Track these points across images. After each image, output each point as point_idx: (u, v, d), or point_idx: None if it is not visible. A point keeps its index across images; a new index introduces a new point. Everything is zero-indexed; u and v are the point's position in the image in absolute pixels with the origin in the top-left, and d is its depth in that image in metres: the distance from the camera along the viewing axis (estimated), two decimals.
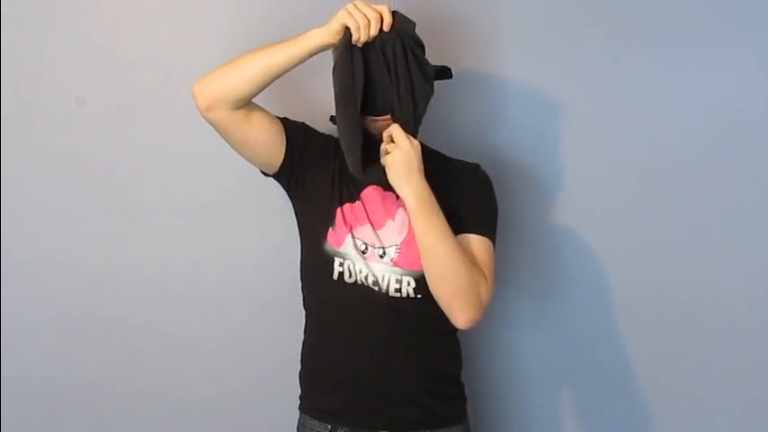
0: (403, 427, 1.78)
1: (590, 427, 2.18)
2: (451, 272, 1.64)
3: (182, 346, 2.17)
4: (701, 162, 2.07)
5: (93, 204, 2.13)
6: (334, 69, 1.68)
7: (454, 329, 1.84)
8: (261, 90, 1.71)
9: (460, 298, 1.65)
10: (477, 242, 1.72)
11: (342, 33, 1.63)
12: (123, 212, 2.13)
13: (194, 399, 2.18)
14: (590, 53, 2.07)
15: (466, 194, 1.76)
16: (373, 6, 1.62)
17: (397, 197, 1.72)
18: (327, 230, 1.76)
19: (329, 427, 1.79)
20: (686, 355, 2.13)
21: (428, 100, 1.71)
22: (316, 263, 1.78)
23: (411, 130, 1.67)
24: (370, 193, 1.77)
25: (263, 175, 1.85)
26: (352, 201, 1.76)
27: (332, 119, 1.73)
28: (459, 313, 1.66)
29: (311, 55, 1.68)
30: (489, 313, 2.08)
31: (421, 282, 1.71)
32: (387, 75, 1.65)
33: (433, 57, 1.74)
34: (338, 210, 1.76)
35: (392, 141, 1.65)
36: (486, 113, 2.10)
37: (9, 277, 2.15)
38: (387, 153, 1.65)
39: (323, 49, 1.67)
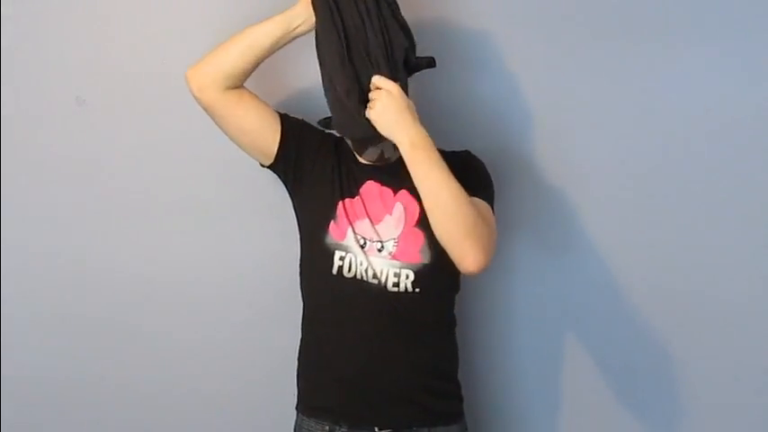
0: (401, 425, 1.77)
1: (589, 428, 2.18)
2: (459, 210, 1.61)
3: (181, 346, 2.17)
4: (699, 157, 2.08)
5: (93, 204, 2.13)
6: (317, 38, 1.72)
7: (452, 325, 1.85)
8: (251, 66, 1.76)
9: (471, 237, 1.61)
10: (477, 202, 1.69)
11: None
12: (123, 212, 2.13)
13: (192, 399, 2.17)
14: (588, 50, 2.07)
15: (462, 175, 1.72)
16: None
17: (395, 192, 1.74)
18: (329, 223, 1.76)
19: (327, 427, 1.78)
20: (687, 346, 2.12)
21: (406, 48, 1.71)
22: (316, 257, 1.78)
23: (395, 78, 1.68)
24: (369, 188, 1.77)
25: (261, 168, 1.85)
26: (352, 196, 1.77)
27: (320, 122, 1.78)
28: (470, 253, 1.61)
29: (295, 26, 1.73)
30: (486, 309, 2.11)
31: (419, 275, 1.72)
32: (362, 25, 1.68)
33: (425, 48, 1.76)
34: (340, 203, 1.76)
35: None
36: (480, 106, 2.10)
37: (9, 277, 2.14)
38: (371, 109, 1.66)
39: (304, 17, 1.72)
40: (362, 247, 1.74)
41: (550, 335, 2.16)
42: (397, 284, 1.73)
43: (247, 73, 1.76)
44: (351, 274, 1.74)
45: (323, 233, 1.76)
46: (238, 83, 1.76)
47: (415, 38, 1.75)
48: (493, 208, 1.76)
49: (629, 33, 2.06)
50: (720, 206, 2.09)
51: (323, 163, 1.80)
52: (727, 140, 2.07)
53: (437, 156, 1.64)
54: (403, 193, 1.75)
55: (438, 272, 1.71)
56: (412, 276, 1.73)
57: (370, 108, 1.66)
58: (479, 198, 1.71)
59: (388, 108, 1.64)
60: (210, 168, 2.11)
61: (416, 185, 1.64)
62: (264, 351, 2.15)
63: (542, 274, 2.15)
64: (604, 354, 2.15)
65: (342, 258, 1.74)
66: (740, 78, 2.05)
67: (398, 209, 1.75)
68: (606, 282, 2.12)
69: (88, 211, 2.14)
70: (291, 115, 1.84)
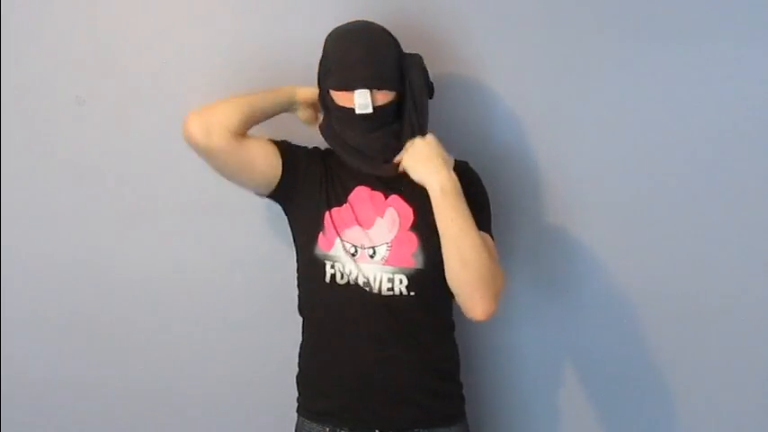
0: (402, 426, 1.77)
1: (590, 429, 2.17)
2: (477, 262, 1.63)
3: (180, 347, 2.17)
4: (698, 158, 2.05)
5: (92, 204, 2.14)
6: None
7: (450, 327, 1.85)
8: (255, 122, 1.81)
9: (483, 288, 1.63)
10: (486, 240, 1.71)
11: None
12: (123, 213, 2.13)
13: (192, 401, 2.18)
14: (583, 50, 2.04)
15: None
16: None
17: (386, 196, 1.74)
18: (318, 235, 1.77)
19: (328, 430, 1.78)
20: (689, 356, 2.10)
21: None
22: (309, 268, 1.79)
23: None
24: (358, 193, 1.77)
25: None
26: (340, 204, 1.77)
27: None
28: (480, 304, 1.64)
29: (294, 111, 1.88)
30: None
31: (413, 279, 1.72)
32: None
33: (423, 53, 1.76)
34: (326, 214, 1.77)
35: None
36: (478, 112, 2.08)
37: (9, 277, 2.15)
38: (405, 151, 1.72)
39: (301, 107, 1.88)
40: (353, 255, 1.74)
41: (552, 336, 2.14)
42: (391, 289, 1.73)
43: (252, 125, 1.80)
44: (344, 281, 1.74)
45: (313, 245, 1.77)
46: (244, 131, 1.79)
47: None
48: (491, 233, 1.77)
49: (622, 31, 2.03)
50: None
51: (312, 178, 1.81)
52: (736, 148, 2.05)
53: (464, 203, 1.66)
54: (395, 198, 1.75)
55: (432, 276, 1.70)
56: (405, 281, 1.72)
57: (404, 150, 1.71)
58: (484, 231, 1.72)
59: (422, 152, 1.69)
60: (210, 169, 2.11)
61: (440, 229, 1.67)
62: (265, 352, 2.15)
63: (541, 276, 2.14)
64: (605, 355, 2.13)
65: (332, 267, 1.75)
66: (738, 78, 2.02)
67: (390, 212, 1.75)
68: (606, 283, 2.10)
69: (88, 210, 2.14)
70: (275, 139, 1.85)
